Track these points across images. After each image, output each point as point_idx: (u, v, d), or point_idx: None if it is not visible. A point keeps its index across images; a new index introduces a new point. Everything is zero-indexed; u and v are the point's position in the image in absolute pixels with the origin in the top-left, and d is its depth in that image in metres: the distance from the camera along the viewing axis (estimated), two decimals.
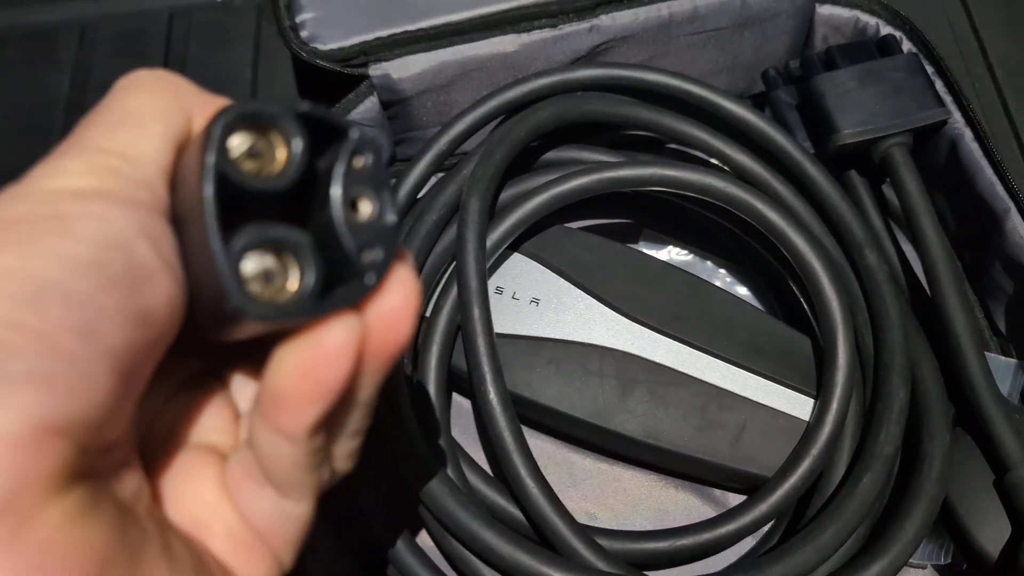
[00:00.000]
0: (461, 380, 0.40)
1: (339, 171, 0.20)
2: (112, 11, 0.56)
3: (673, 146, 0.47)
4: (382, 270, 0.20)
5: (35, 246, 0.18)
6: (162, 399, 0.24)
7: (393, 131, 0.47)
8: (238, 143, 0.20)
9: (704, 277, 0.42)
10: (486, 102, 0.43)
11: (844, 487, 0.35)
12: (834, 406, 0.37)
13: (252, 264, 0.19)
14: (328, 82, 0.46)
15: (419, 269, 0.39)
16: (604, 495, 0.41)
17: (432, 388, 0.37)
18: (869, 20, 0.46)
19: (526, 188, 0.41)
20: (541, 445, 0.42)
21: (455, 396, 0.43)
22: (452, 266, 0.40)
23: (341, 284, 0.20)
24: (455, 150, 0.43)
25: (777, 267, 0.44)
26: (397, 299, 0.20)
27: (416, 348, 0.39)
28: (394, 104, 0.45)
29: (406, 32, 0.44)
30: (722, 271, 0.47)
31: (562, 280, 0.41)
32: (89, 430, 0.18)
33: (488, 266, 0.39)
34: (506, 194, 0.41)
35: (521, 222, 0.39)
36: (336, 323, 0.20)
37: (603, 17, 0.45)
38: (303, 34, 0.44)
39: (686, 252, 0.47)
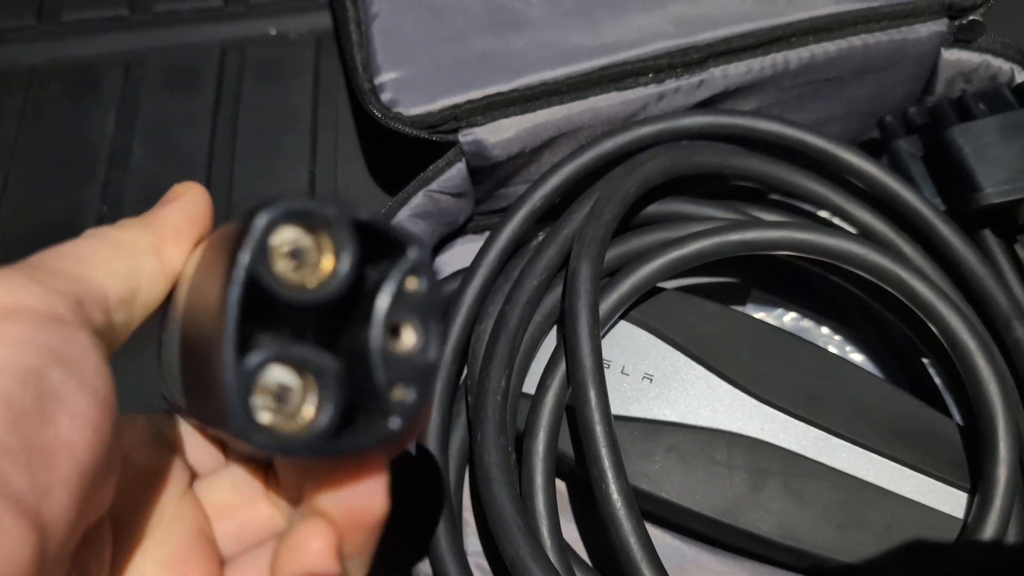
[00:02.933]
0: (562, 463, 0.35)
1: (388, 291, 0.17)
2: (159, 44, 0.52)
3: (776, 197, 0.43)
4: (410, 415, 0.17)
5: None
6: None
7: (478, 193, 0.42)
8: (280, 241, 0.17)
9: (819, 344, 0.38)
10: (585, 152, 0.39)
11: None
12: (997, 504, 0.33)
13: (266, 380, 0.17)
14: (398, 137, 0.41)
15: (519, 340, 0.35)
16: None
17: (539, 481, 0.33)
18: (1002, 65, 0.42)
19: (635, 248, 0.37)
20: (659, 537, 0.37)
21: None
22: (555, 337, 0.36)
23: (362, 413, 0.18)
24: (550, 205, 0.39)
25: (908, 337, 0.39)
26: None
27: (520, 432, 0.34)
28: (483, 170, 0.41)
29: (499, 94, 0.39)
30: (838, 337, 0.42)
31: (678, 353, 0.36)
32: None
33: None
34: (611, 254, 0.37)
35: (635, 290, 0.35)
36: (315, 529, 0.19)
37: (714, 70, 0.40)
38: (384, 97, 0.40)
39: (798, 316, 0.42)
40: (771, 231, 0.35)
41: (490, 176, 0.41)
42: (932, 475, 0.35)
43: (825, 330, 0.42)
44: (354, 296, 0.18)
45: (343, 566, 0.20)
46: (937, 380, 0.40)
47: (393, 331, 0.18)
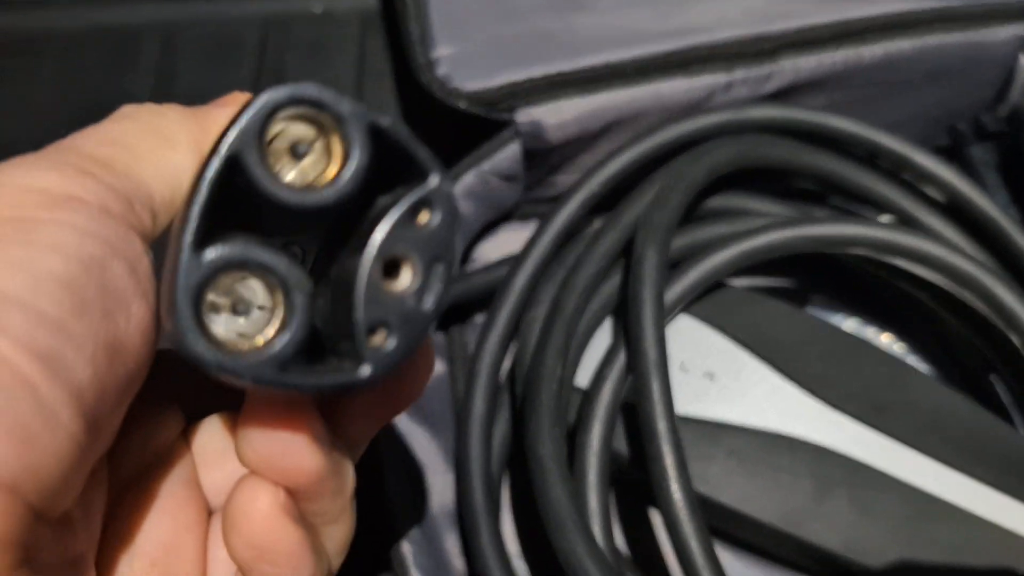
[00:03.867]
0: (617, 464, 0.33)
1: (393, 217, 0.15)
2: (200, 16, 0.50)
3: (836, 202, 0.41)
4: (384, 365, 0.15)
5: None
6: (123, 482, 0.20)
7: (530, 177, 0.41)
8: (281, 131, 0.15)
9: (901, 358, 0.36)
10: (647, 138, 0.37)
11: None
12: None
13: (225, 284, 0.15)
14: (446, 117, 0.39)
15: (575, 328, 0.33)
16: None
17: (593, 478, 0.31)
18: None
19: (700, 239, 0.35)
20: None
21: None
22: (609, 329, 0.34)
23: (332, 355, 0.16)
24: (608, 192, 0.37)
25: (975, 349, 0.37)
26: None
27: (572, 427, 0.32)
28: (538, 153, 0.39)
29: (561, 74, 0.37)
30: (899, 346, 0.40)
31: (742, 351, 0.34)
32: (45, 492, 0.14)
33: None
34: (674, 244, 0.35)
35: (702, 281, 0.33)
36: (255, 490, 0.17)
37: (784, 62, 0.39)
38: (440, 72, 0.38)
39: (860, 322, 0.40)
40: (848, 227, 0.33)
41: (544, 161, 0.39)
42: (1009, 494, 0.33)
43: (886, 338, 0.40)
44: (354, 218, 0.16)
45: (301, 533, 0.18)
46: (1005, 396, 0.38)
47: (390, 267, 0.16)
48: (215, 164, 0.14)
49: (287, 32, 0.50)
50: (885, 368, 0.35)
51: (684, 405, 0.33)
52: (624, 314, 0.32)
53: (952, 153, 0.42)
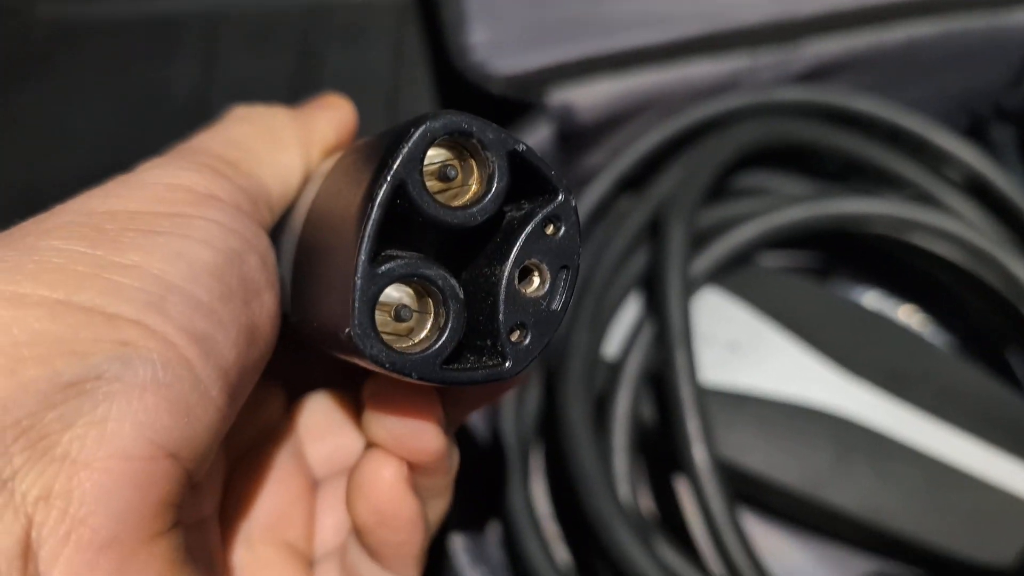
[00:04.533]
0: (644, 432, 0.35)
1: (527, 231, 0.17)
2: (242, 5, 0.52)
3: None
4: (523, 360, 0.17)
5: (156, 244, 0.16)
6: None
7: (562, 161, 0.42)
8: (432, 156, 0.17)
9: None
10: (676, 119, 0.38)
11: None
12: None
13: (390, 294, 0.17)
14: (481, 101, 0.41)
15: (604, 301, 0.35)
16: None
17: (620, 443, 0.32)
18: None
19: (726, 216, 0.36)
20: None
21: None
22: (642, 300, 0.35)
23: (469, 351, 0.18)
24: (637, 171, 0.38)
25: (991, 325, 0.38)
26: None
27: (600, 397, 0.34)
28: (568, 136, 0.40)
29: (592, 57, 0.39)
30: (917, 321, 0.41)
31: (764, 322, 0.36)
32: (197, 459, 0.16)
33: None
34: (704, 222, 0.36)
35: (728, 255, 0.35)
36: (382, 463, 0.19)
37: (808, 46, 0.40)
38: (475, 56, 0.40)
39: (881, 297, 0.41)
40: (869, 203, 0.35)
41: (576, 142, 0.41)
42: (1021, 460, 0.34)
43: (905, 313, 0.41)
44: (489, 229, 0.18)
45: (418, 503, 0.20)
46: (1020, 371, 0.39)
47: (524, 273, 0.17)
48: (384, 189, 0.16)
49: (327, 20, 0.52)
50: (904, 341, 0.36)
51: (708, 374, 0.35)
52: (651, 287, 0.34)
53: (973, 134, 0.43)
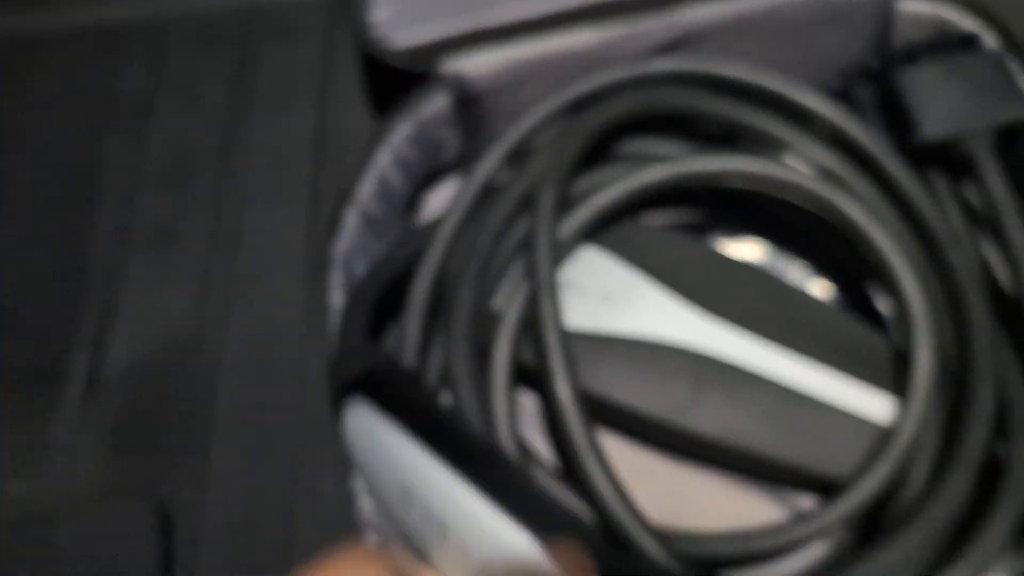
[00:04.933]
0: (531, 377, 0.39)
1: None
2: (184, 9, 0.57)
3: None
4: None
5: None
6: None
7: (466, 125, 0.47)
8: None
9: (777, 275, 0.42)
10: (557, 96, 0.42)
11: (931, 492, 0.34)
12: (916, 408, 0.36)
13: None
14: (399, 81, 0.45)
15: (489, 263, 0.39)
16: (674, 496, 0.40)
17: (499, 384, 0.37)
18: (951, 16, 0.45)
19: (599, 181, 0.41)
20: (612, 445, 0.41)
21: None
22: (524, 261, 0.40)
23: None
24: (525, 145, 0.42)
25: (857, 266, 0.42)
26: None
27: (484, 345, 0.38)
28: (466, 103, 0.45)
29: (479, 29, 0.44)
30: (796, 270, 0.45)
31: (633, 273, 0.40)
32: None
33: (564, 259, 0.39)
34: (580, 188, 0.41)
35: (594, 216, 0.39)
36: None
37: (680, 12, 0.44)
38: (376, 33, 0.44)
39: (758, 249, 0.46)
40: (715, 161, 0.39)
41: (475, 110, 0.45)
42: (862, 383, 0.38)
43: (781, 262, 0.45)
44: None
45: None
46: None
47: None
48: None
49: (262, 20, 0.56)
50: (761, 283, 0.40)
51: (583, 321, 0.39)
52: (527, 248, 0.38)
53: (845, 95, 0.46)
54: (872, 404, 0.38)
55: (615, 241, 0.41)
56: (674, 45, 0.45)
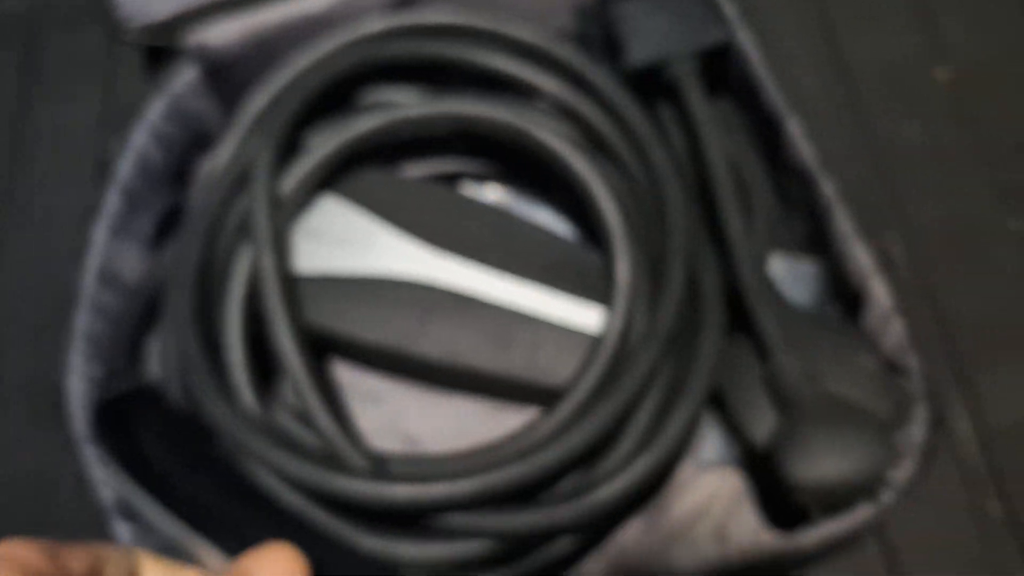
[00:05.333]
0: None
1: None
2: None
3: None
4: None
5: None
6: None
7: (222, 96, 0.49)
8: None
9: (523, 213, 0.45)
10: (281, 70, 0.44)
11: (618, 371, 0.37)
12: (618, 315, 0.39)
13: None
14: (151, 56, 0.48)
15: (215, 232, 0.41)
16: (427, 420, 0.43)
17: (232, 343, 0.39)
18: None
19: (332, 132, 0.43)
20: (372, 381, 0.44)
21: None
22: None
23: None
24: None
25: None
26: None
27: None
28: (217, 72, 0.47)
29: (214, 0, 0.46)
30: (543, 209, 0.48)
31: (367, 216, 0.43)
32: None
33: (296, 210, 0.42)
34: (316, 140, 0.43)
35: (314, 168, 0.41)
36: None
37: None
38: (120, 12, 0.46)
39: (504, 190, 0.49)
40: (421, 107, 0.41)
41: (227, 79, 0.47)
42: (579, 301, 0.41)
43: (527, 202, 0.48)
44: None
45: None
46: None
47: None
48: None
49: (49, 13, 0.58)
50: (485, 216, 0.43)
51: (320, 265, 0.42)
52: None
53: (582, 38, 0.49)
54: (585, 316, 0.41)
55: (353, 189, 0.44)
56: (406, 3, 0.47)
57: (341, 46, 0.44)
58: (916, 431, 0.35)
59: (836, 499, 0.35)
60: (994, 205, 0.48)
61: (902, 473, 0.35)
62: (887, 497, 0.35)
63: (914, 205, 0.48)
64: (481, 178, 0.49)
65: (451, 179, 0.49)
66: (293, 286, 0.39)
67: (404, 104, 0.43)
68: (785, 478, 0.35)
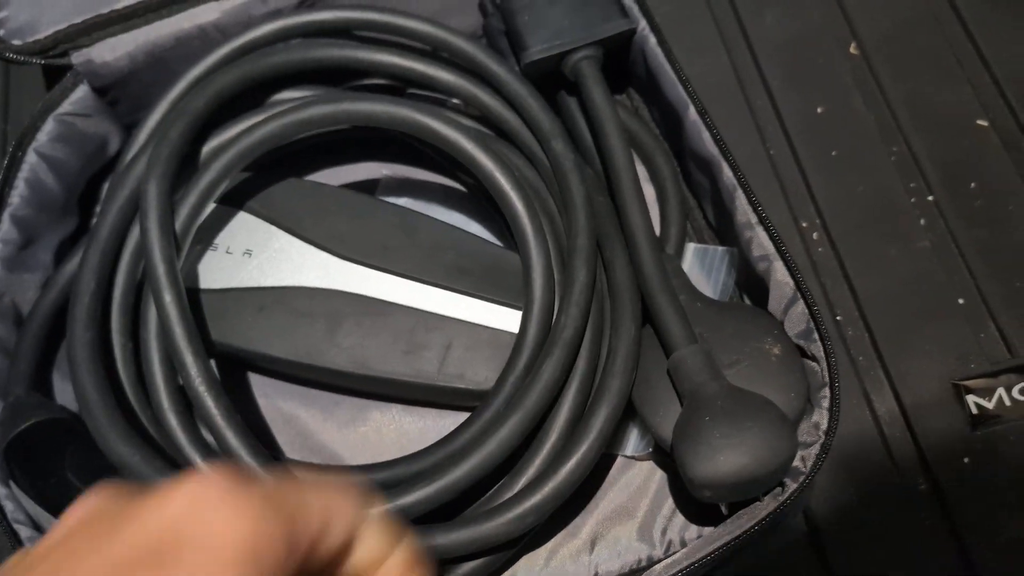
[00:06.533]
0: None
1: None
2: None
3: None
4: None
5: None
6: None
7: (120, 115, 0.47)
8: None
9: (444, 216, 0.44)
10: (173, 88, 0.43)
11: (529, 374, 0.37)
12: (535, 311, 0.38)
13: None
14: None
15: (104, 259, 0.39)
16: (354, 431, 0.43)
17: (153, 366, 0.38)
18: None
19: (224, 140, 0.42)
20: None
21: None
22: None
23: None
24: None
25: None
26: None
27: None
28: (109, 89, 0.46)
29: (100, 16, 0.44)
30: (458, 212, 0.48)
31: (273, 228, 0.42)
32: None
33: (199, 222, 0.40)
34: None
35: (212, 184, 0.40)
36: None
37: None
38: (3, 29, 0.45)
39: (422, 198, 0.48)
40: (317, 108, 0.40)
41: (126, 96, 0.46)
42: (489, 299, 0.41)
43: (442, 206, 0.47)
44: None
45: None
46: None
47: None
48: None
49: None
50: (392, 218, 0.42)
51: (227, 280, 0.41)
52: None
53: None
54: (497, 316, 0.40)
55: (261, 198, 0.43)
56: (307, 1, 0.46)
57: (231, 57, 0.43)
58: (821, 418, 0.35)
59: (737, 494, 0.34)
60: (903, 180, 0.48)
61: (808, 462, 0.35)
62: (792, 487, 0.34)
63: (825, 182, 0.48)
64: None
65: (375, 183, 0.48)
66: (194, 319, 0.37)
67: (300, 106, 0.41)
68: (684, 473, 0.34)
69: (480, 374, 0.40)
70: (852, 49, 0.52)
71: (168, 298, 0.36)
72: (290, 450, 0.42)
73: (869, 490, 0.42)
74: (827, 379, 0.35)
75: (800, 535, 0.42)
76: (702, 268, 0.43)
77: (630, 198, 0.40)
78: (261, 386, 0.43)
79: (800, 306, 0.36)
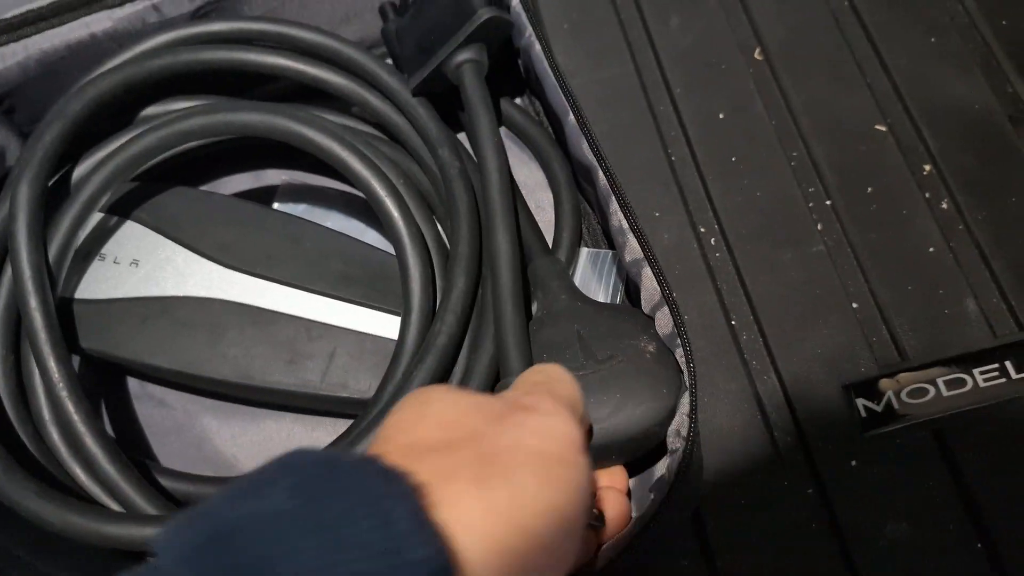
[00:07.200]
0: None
1: None
2: None
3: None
4: None
5: None
6: None
7: (19, 124, 0.47)
8: None
9: (343, 222, 0.45)
10: (67, 106, 0.42)
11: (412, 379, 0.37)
12: (412, 318, 0.39)
13: None
14: None
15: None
16: (247, 440, 0.43)
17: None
18: None
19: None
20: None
21: None
22: None
23: None
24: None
25: None
26: None
27: None
28: (4, 99, 0.45)
29: None
30: (356, 218, 0.48)
31: (160, 237, 0.42)
32: None
33: (83, 233, 0.41)
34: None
35: (82, 209, 0.40)
36: None
37: None
38: None
39: (321, 204, 0.48)
40: (189, 121, 0.40)
41: (24, 104, 0.46)
42: (372, 307, 0.41)
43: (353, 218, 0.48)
44: None
45: None
46: None
47: None
48: None
49: None
50: (278, 226, 0.42)
51: (112, 290, 0.41)
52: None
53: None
54: (385, 323, 0.41)
55: (149, 208, 0.43)
56: (202, 11, 0.46)
57: (117, 65, 0.43)
58: (681, 425, 0.35)
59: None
60: (799, 183, 0.48)
61: (672, 471, 0.35)
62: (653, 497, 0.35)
63: (724, 187, 0.48)
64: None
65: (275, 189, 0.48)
66: (63, 333, 0.38)
67: (178, 118, 0.42)
68: None
69: (363, 382, 0.40)
70: (757, 55, 0.53)
71: (33, 303, 0.37)
72: (183, 458, 0.42)
73: (758, 492, 0.43)
74: (687, 384, 0.35)
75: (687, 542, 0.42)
76: (594, 271, 0.43)
77: (496, 203, 0.39)
78: (160, 395, 0.43)
79: (663, 312, 0.37)
